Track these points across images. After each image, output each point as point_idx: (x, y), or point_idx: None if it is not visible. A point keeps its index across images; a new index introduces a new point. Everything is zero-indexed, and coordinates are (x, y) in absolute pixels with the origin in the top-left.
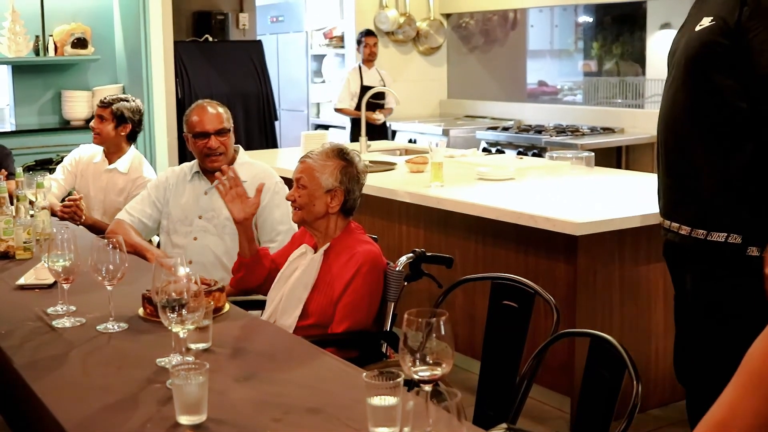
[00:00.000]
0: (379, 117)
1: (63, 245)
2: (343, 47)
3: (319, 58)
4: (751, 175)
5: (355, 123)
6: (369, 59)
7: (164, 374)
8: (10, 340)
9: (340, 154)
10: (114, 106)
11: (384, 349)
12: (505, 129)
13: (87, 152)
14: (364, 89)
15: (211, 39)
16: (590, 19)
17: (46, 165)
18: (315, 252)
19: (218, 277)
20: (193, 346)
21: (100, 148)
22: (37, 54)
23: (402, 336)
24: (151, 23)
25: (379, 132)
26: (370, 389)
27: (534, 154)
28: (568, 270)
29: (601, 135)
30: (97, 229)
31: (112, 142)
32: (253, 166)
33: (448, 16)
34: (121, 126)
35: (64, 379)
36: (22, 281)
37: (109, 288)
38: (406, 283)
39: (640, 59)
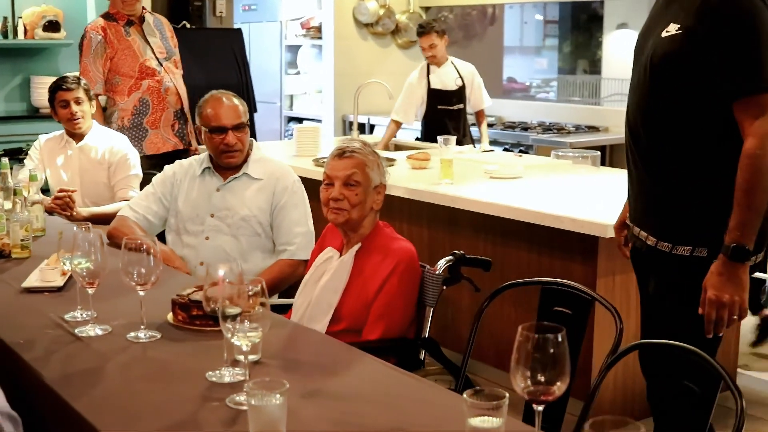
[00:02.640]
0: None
1: (86, 245)
2: (320, 38)
3: (293, 49)
4: (717, 187)
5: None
6: (432, 61)
7: (219, 390)
8: (33, 351)
9: (372, 147)
10: (82, 85)
11: (421, 357)
12: (490, 126)
13: (47, 141)
14: (434, 93)
15: (188, 26)
16: (557, 17)
17: (15, 155)
18: (341, 254)
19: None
20: (241, 358)
21: (58, 133)
22: (5, 37)
23: (515, 353)
24: None
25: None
26: (471, 409)
27: (521, 152)
28: (586, 271)
29: (587, 133)
30: (97, 221)
31: (90, 123)
32: (269, 163)
33: (427, 9)
34: (92, 103)
35: (108, 396)
36: (27, 284)
37: (141, 293)
38: (444, 287)
39: (598, 59)
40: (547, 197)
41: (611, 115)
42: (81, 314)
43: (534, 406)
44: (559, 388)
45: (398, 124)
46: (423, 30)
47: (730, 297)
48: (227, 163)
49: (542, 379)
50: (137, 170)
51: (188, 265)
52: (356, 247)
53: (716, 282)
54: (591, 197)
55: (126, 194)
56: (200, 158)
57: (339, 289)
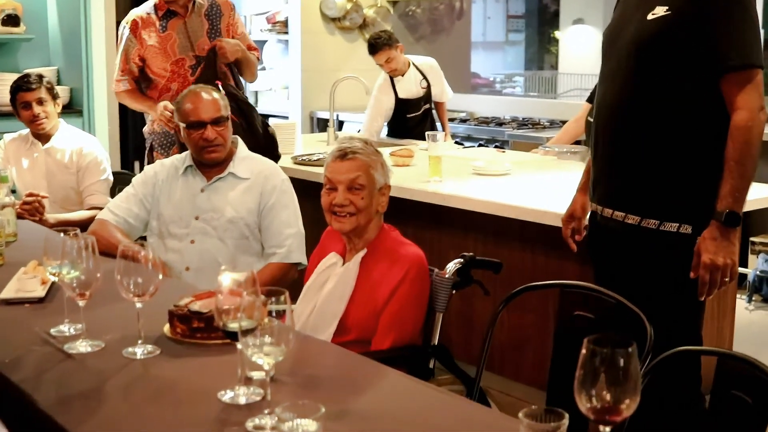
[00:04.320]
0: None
1: (74, 252)
2: (286, 33)
3: (258, 44)
4: (704, 165)
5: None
6: (394, 74)
7: (236, 413)
8: (22, 372)
9: (373, 145)
10: (45, 83)
11: (431, 365)
12: (463, 121)
13: (11, 140)
14: (402, 103)
15: None
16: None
17: None
18: (345, 260)
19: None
20: (255, 375)
21: (24, 133)
22: None
23: (579, 369)
24: (92, 0)
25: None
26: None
27: (496, 147)
28: (584, 270)
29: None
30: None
31: (55, 123)
32: (256, 162)
33: (394, 3)
34: (56, 102)
35: (112, 422)
36: (5, 295)
37: (138, 305)
38: (454, 291)
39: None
40: (539, 194)
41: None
42: (69, 328)
43: (600, 427)
44: (629, 406)
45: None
46: (374, 48)
47: (723, 260)
48: (209, 159)
49: (609, 397)
50: (108, 175)
51: (173, 271)
52: (362, 253)
53: (710, 246)
54: None
55: (95, 201)
56: (182, 157)
57: (345, 297)
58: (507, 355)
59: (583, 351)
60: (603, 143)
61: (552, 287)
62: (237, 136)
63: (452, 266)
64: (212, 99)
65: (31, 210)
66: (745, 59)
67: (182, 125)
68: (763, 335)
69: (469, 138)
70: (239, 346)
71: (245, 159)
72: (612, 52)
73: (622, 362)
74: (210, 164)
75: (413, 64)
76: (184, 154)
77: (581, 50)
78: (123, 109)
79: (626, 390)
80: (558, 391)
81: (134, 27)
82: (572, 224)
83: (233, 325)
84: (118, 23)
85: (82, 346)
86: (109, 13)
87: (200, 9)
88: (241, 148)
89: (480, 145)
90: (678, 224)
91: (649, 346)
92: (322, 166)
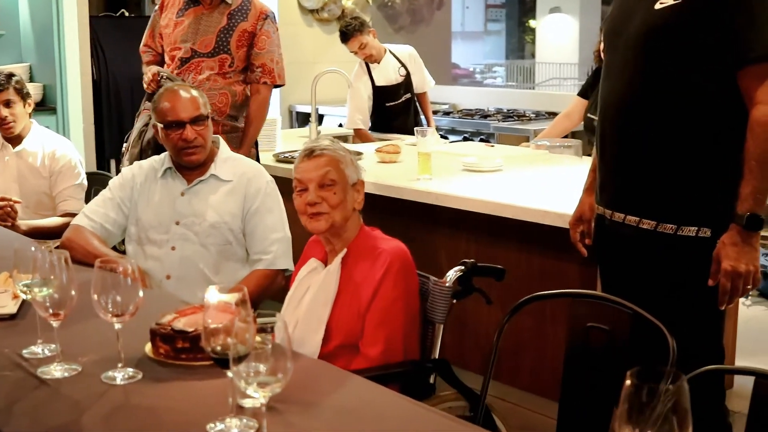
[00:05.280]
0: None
1: (46, 267)
2: None
3: None
4: (723, 164)
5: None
6: (370, 60)
7: None
8: None
9: (340, 142)
10: (13, 84)
11: (432, 380)
12: (446, 114)
13: None
14: (380, 91)
15: (127, 14)
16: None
17: None
18: (326, 264)
19: (202, 295)
20: (248, 403)
21: None
22: None
23: (622, 404)
24: None
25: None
26: None
27: (481, 140)
28: (586, 273)
29: (548, 119)
30: (37, 235)
31: (25, 125)
32: (239, 163)
33: None
34: (26, 102)
35: None
36: None
37: (117, 326)
38: (455, 301)
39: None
40: (534, 191)
41: (563, 100)
42: (42, 349)
43: None
44: None
45: (361, 131)
46: (345, 36)
47: (746, 267)
48: (188, 161)
49: None
50: (82, 179)
51: (153, 280)
52: (342, 254)
53: (731, 252)
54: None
55: (69, 207)
56: (161, 158)
57: (328, 302)
58: (504, 360)
59: (626, 384)
60: (611, 143)
61: (562, 297)
62: (218, 136)
63: (452, 274)
64: (191, 97)
65: (2, 215)
66: (764, 51)
67: (159, 125)
68: (762, 332)
69: (453, 131)
70: (230, 374)
71: (228, 160)
72: (616, 45)
73: (672, 400)
74: (190, 166)
75: (390, 51)
76: (163, 155)
77: (558, 39)
78: (98, 107)
79: (678, 429)
80: (571, 406)
81: (162, 4)
82: (581, 227)
83: (223, 350)
84: (91, 18)
85: (57, 371)
86: (82, 9)
87: (225, 8)
88: (223, 148)
89: (465, 139)
90: (696, 228)
91: (672, 360)
92: None
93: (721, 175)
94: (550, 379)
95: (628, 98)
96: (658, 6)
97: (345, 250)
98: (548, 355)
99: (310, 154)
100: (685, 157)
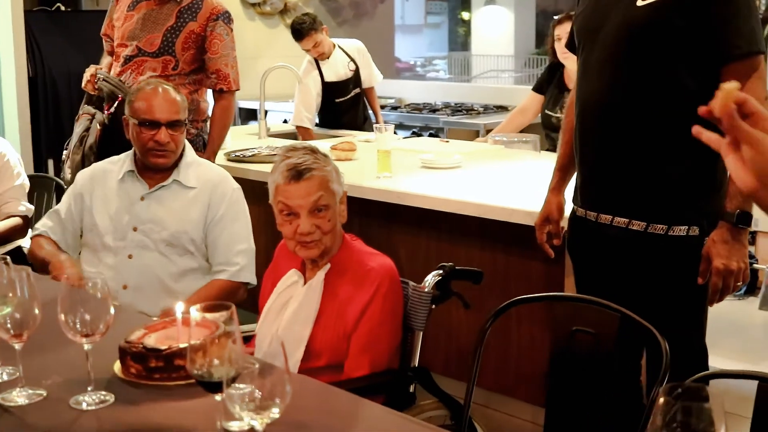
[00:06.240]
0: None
1: (3, 282)
2: None
3: None
4: (710, 161)
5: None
6: (321, 58)
7: None
8: None
9: (320, 150)
10: None
11: (412, 389)
12: (394, 108)
13: None
14: (329, 87)
15: (63, 8)
16: None
17: None
18: (306, 277)
19: (162, 306)
20: (235, 426)
21: None
22: None
23: (653, 423)
24: None
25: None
26: None
27: (431, 135)
28: (552, 272)
29: (497, 113)
30: None
31: None
32: (204, 168)
33: None
34: None
35: None
36: None
37: (87, 347)
38: (433, 306)
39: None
40: (496, 188)
41: (519, 94)
42: (2, 372)
43: None
44: None
45: (305, 129)
46: (300, 34)
47: (737, 264)
48: (155, 163)
49: None
50: (23, 179)
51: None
52: (325, 269)
53: (722, 250)
54: (545, 186)
55: (11, 209)
56: (121, 159)
57: (310, 320)
58: (467, 360)
59: (660, 402)
60: (593, 144)
61: (546, 300)
62: (185, 140)
63: (431, 279)
64: (172, 99)
65: None
66: (752, 46)
67: (133, 121)
68: (734, 323)
69: (401, 126)
70: (218, 398)
71: (192, 165)
72: (593, 43)
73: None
74: (154, 169)
75: (339, 46)
76: (123, 155)
77: (493, 32)
78: (34, 104)
79: None
80: (558, 413)
81: None
82: (547, 228)
83: (216, 374)
84: (25, 13)
85: (20, 397)
86: (16, 3)
87: (175, 5)
88: (188, 152)
89: (414, 134)
90: (687, 227)
91: (666, 363)
92: (259, 162)
93: (709, 173)
94: (513, 378)
95: (610, 98)
96: (640, 2)
97: (329, 265)
98: (512, 355)
99: (297, 177)
100: (670, 156)
